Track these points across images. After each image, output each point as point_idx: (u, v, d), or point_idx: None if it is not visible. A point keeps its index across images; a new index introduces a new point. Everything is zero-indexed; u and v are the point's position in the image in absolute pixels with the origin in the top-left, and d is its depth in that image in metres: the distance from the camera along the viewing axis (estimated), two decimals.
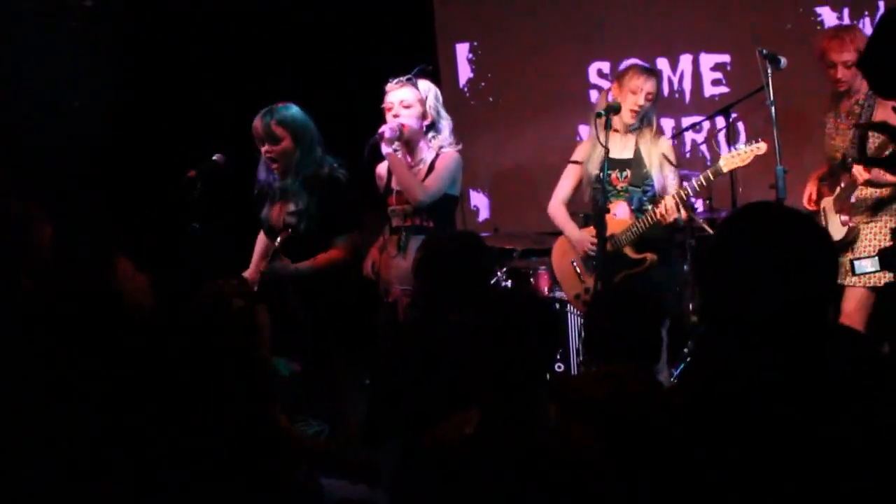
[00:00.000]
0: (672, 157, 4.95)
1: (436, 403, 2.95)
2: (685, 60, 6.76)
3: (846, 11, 6.37)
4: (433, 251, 3.59)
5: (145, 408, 2.20)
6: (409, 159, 4.65)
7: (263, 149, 4.54)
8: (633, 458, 2.31)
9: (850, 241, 4.72)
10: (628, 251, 4.87)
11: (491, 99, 7.26)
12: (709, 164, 4.91)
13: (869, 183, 4.59)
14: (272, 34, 7.06)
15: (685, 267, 5.78)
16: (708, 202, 5.98)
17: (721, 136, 5.16)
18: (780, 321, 2.04)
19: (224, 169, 4.64)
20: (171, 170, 4.69)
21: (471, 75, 7.27)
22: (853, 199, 4.73)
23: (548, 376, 2.74)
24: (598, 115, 4.70)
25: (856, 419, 1.97)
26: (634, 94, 4.80)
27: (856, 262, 4.64)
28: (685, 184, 4.82)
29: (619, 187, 4.88)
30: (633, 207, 4.88)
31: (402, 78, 4.64)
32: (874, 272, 4.61)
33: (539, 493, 2.37)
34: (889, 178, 4.53)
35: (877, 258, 4.56)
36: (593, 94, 6.80)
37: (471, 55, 7.25)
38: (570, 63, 6.95)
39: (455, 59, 7.26)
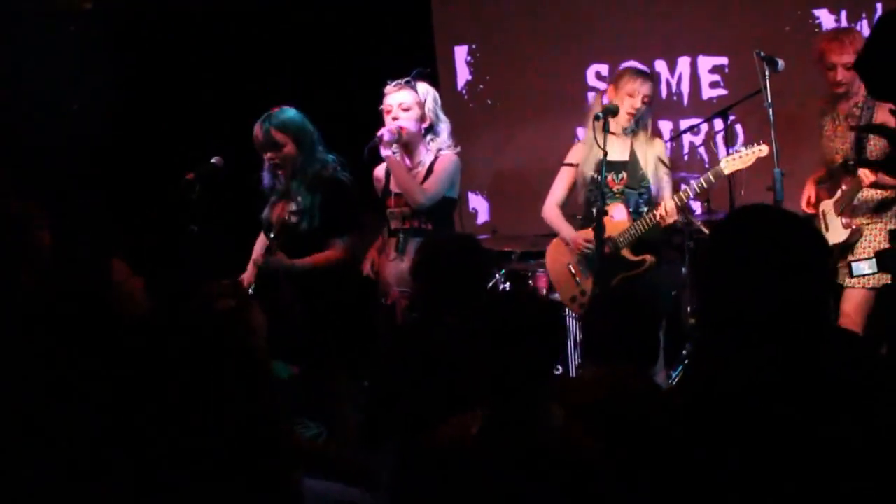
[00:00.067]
0: (666, 160, 4.97)
1: (434, 405, 2.96)
2: (683, 63, 6.76)
3: (844, 14, 6.37)
4: (431, 253, 3.60)
5: (143, 408, 2.20)
6: (407, 162, 4.66)
7: (267, 156, 4.55)
8: (634, 458, 2.31)
9: (852, 242, 4.72)
10: (626, 253, 4.87)
11: (489, 101, 7.26)
12: (707, 166, 4.92)
13: (875, 185, 4.59)
14: (271, 36, 7.06)
15: (683, 269, 5.79)
16: (706, 204, 5.98)
17: (719, 139, 5.18)
18: (777, 322, 2.05)
19: (222, 171, 4.65)
20: (171, 171, 4.70)
21: (469, 78, 7.27)
22: (855, 202, 4.73)
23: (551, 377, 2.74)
24: (597, 118, 4.71)
25: (855, 419, 1.98)
26: (631, 97, 4.81)
27: (853, 265, 4.65)
28: (684, 186, 4.83)
29: (615, 189, 4.88)
30: (630, 209, 4.89)
31: (400, 80, 4.64)
32: (871, 274, 4.62)
33: (542, 493, 2.37)
34: (892, 180, 4.54)
35: (874, 260, 4.57)
36: (591, 97, 6.81)
37: (469, 58, 7.26)
38: (568, 65, 6.95)
39: (453, 62, 7.26)
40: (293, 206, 4.50)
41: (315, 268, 4.46)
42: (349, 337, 4.51)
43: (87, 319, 2.63)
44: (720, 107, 5.45)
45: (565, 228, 5.06)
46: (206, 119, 6.65)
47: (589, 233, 4.88)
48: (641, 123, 4.91)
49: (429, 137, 4.67)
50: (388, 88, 4.66)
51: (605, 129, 4.66)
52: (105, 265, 2.84)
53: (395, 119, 4.59)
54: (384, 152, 4.55)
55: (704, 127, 6.37)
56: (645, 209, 4.88)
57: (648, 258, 4.88)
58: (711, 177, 4.76)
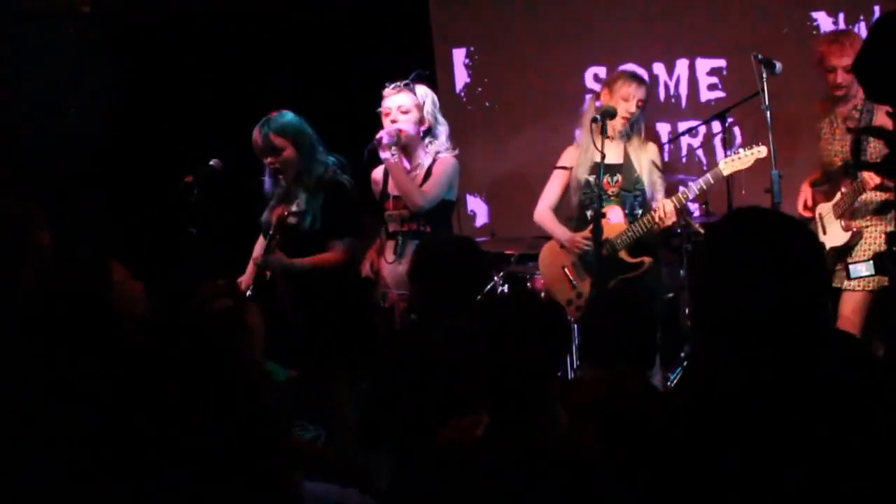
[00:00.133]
0: (659, 163, 4.98)
1: (432, 407, 2.96)
2: (681, 65, 6.77)
3: (842, 16, 6.38)
4: (429, 256, 3.60)
5: (143, 408, 2.20)
6: (406, 164, 4.67)
7: (267, 161, 4.55)
8: (633, 459, 2.31)
9: (853, 245, 4.72)
10: (623, 255, 4.87)
11: (487, 104, 7.26)
12: (705, 168, 4.93)
13: (879, 188, 4.58)
14: (269, 38, 7.06)
15: (682, 271, 5.80)
16: (704, 206, 5.99)
17: (717, 141, 5.18)
18: (774, 324, 2.06)
19: (221, 173, 4.65)
20: (170, 172, 4.70)
21: (467, 80, 7.27)
22: (856, 204, 4.73)
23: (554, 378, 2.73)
24: (594, 120, 4.71)
25: (854, 419, 1.98)
26: (626, 102, 4.81)
27: (851, 266, 4.64)
28: (682, 188, 4.83)
29: (610, 192, 4.88)
30: (625, 212, 4.89)
31: (399, 83, 4.65)
32: (869, 276, 4.61)
33: (547, 495, 2.37)
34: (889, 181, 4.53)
35: (871, 262, 4.57)
36: (587, 99, 6.81)
37: (467, 60, 7.26)
38: (566, 68, 6.96)
39: (452, 64, 7.26)
40: (293, 208, 4.50)
41: (314, 268, 4.46)
42: (348, 338, 4.51)
43: (87, 319, 2.63)
44: (718, 109, 5.46)
45: (561, 230, 5.05)
46: (205, 122, 6.65)
47: (586, 233, 4.88)
48: (636, 128, 4.92)
49: (427, 140, 4.68)
50: (387, 91, 4.66)
51: (603, 132, 4.66)
52: (105, 266, 2.84)
53: (393, 122, 4.60)
54: (383, 155, 4.56)
55: (703, 129, 6.38)
56: (639, 212, 4.89)
57: (647, 260, 4.88)
58: (710, 178, 4.77)
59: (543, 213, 5.10)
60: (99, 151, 6.54)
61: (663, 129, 6.82)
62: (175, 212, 4.51)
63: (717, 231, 2.27)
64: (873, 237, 4.71)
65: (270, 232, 4.45)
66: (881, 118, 4.44)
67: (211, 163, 4.66)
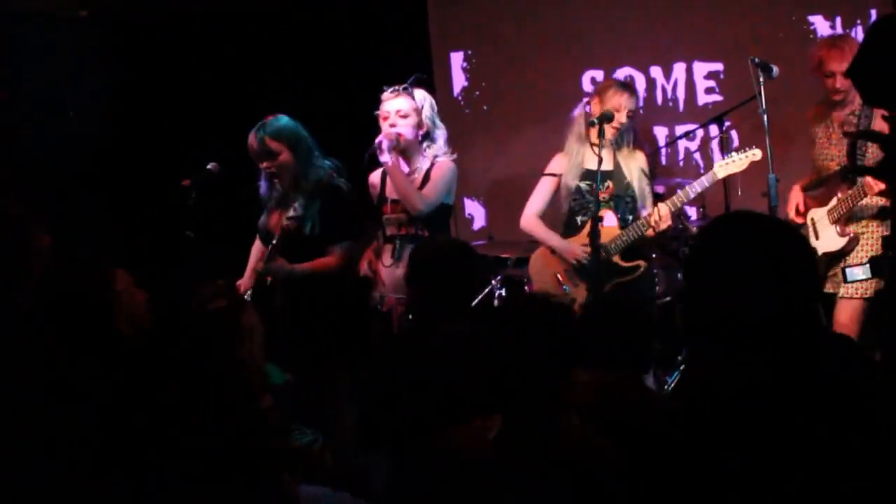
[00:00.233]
0: (647, 171, 4.99)
1: (432, 410, 2.97)
2: (679, 69, 6.78)
3: (839, 20, 6.39)
4: (426, 260, 3.60)
5: (142, 408, 2.20)
6: (404, 168, 4.67)
7: (262, 165, 4.56)
8: (632, 463, 2.32)
9: (848, 251, 4.71)
10: (617, 259, 4.87)
11: (485, 107, 7.27)
12: (702, 171, 4.93)
13: (883, 193, 4.56)
14: (267, 42, 7.08)
15: (679, 275, 5.80)
16: (702, 210, 6.00)
17: (714, 144, 5.18)
18: (767, 326, 2.06)
19: (218, 177, 4.65)
20: (167, 175, 4.71)
21: (465, 84, 7.28)
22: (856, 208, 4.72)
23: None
24: (592, 124, 4.72)
25: (853, 420, 1.99)
26: (617, 112, 4.81)
27: (847, 270, 4.64)
28: (679, 192, 4.84)
29: (601, 198, 4.87)
30: (618, 216, 4.90)
31: (397, 87, 4.65)
32: (865, 279, 4.61)
33: (559, 498, 2.37)
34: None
35: (868, 266, 4.57)
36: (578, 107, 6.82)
37: (465, 64, 7.27)
38: (564, 71, 6.96)
39: (449, 68, 7.27)
40: (291, 213, 4.50)
41: (314, 273, 4.47)
42: (347, 341, 4.52)
43: (86, 320, 2.64)
44: (715, 112, 5.47)
45: (553, 237, 5.02)
46: (202, 125, 6.66)
47: (580, 239, 4.88)
48: (626, 137, 4.92)
49: (425, 144, 4.68)
50: (386, 95, 4.66)
51: (601, 135, 4.66)
52: (105, 267, 2.85)
53: (392, 126, 4.60)
54: (384, 159, 4.56)
55: (700, 133, 6.39)
56: (630, 218, 4.90)
57: (642, 264, 4.89)
58: (705, 182, 4.78)
59: (531, 219, 5.08)
60: (97, 154, 6.54)
61: (661, 132, 6.83)
62: (173, 215, 4.51)
63: (707, 235, 2.28)
64: (869, 244, 4.69)
65: (274, 242, 4.44)
66: (879, 123, 4.44)
67: (209, 166, 4.66)
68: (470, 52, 7.25)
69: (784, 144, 5.23)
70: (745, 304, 2.07)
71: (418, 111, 4.64)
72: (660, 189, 6.15)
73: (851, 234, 4.69)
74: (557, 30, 6.99)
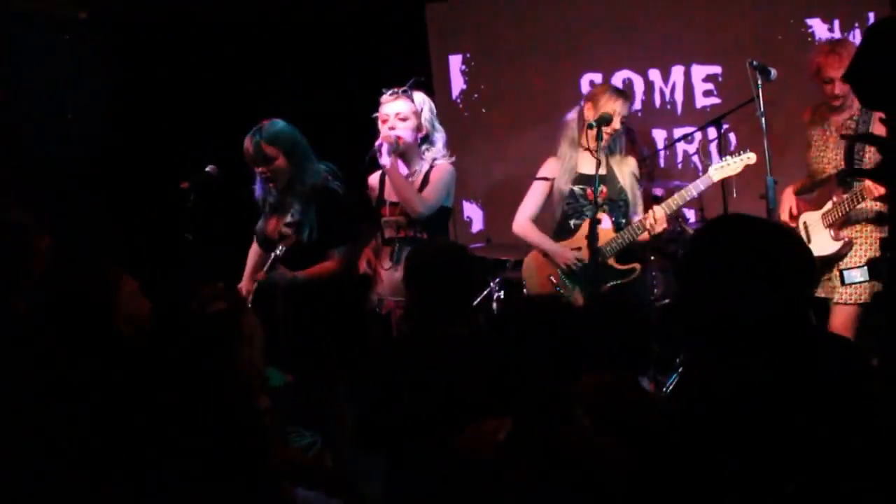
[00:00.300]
0: (638, 176, 5.00)
1: (433, 412, 2.97)
2: (677, 72, 6.79)
3: (836, 23, 6.40)
4: (425, 263, 3.60)
5: (142, 409, 2.21)
6: (404, 170, 4.67)
7: (258, 169, 4.56)
8: (635, 462, 2.32)
9: (843, 255, 4.69)
10: (612, 262, 4.87)
11: (484, 110, 7.28)
12: (700, 174, 4.93)
13: (881, 199, 4.53)
14: (266, 46, 7.08)
15: None
16: (700, 212, 6.01)
17: (713, 147, 5.18)
18: (759, 328, 2.07)
19: (217, 180, 4.65)
20: (166, 178, 4.71)
21: (464, 87, 7.29)
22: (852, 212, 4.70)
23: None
24: (590, 126, 4.72)
25: (853, 419, 1.99)
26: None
27: (845, 273, 4.62)
28: (675, 194, 4.84)
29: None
30: (613, 219, 4.90)
31: (397, 90, 4.64)
32: (863, 282, 4.60)
33: (569, 501, 2.37)
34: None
35: (866, 268, 4.55)
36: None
37: (464, 66, 7.28)
38: (562, 74, 6.98)
39: (448, 71, 7.28)
40: (288, 219, 4.51)
41: (316, 279, 4.48)
42: (344, 345, 4.52)
43: (87, 319, 2.65)
44: (714, 115, 5.47)
45: (547, 241, 4.99)
46: (201, 128, 6.66)
47: (571, 245, 4.88)
48: (618, 143, 4.92)
49: (424, 147, 4.68)
50: (385, 98, 4.65)
51: (599, 138, 4.67)
52: (106, 267, 2.86)
53: (391, 129, 4.59)
54: (384, 161, 4.56)
55: (698, 135, 6.39)
56: (623, 221, 4.91)
57: (638, 266, 4.90)
58: (701, 185, 4.79)
59: (524, 223, 5.05)
60: (96, 156, 6.55)
61: (659, 135, 6.85)
62: (171, 217, 4.52)
63: (700, 239, 2.29)
64: (863, 249, 4.67)
65: (276, 254, 4.44)
66: (878, 128, 4.40)
67: (207, 169, 4.66)
68: (468, 55, 7.26)
69: (782, 147, 5.24)
70: (738, 306, 2.08)
71: (417, 114, 4.64)
72: (658, 191, 6.16)
73: (846, 239, 4.67)
74: (556, 33, 7.01)
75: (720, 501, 2.03)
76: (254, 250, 4.85)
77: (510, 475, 2.42)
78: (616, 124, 4.80)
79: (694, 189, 4.80)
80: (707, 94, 6.72)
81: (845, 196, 4.63)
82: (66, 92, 6.44)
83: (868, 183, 4.46)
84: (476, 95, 7.27)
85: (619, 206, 4.92)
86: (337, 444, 4.61)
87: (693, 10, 6.75)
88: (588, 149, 4.85)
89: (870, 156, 4.49)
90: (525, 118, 7.00)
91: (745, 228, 2.19)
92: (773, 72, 4.74)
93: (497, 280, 6.09)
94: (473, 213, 7.33)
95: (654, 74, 6.82)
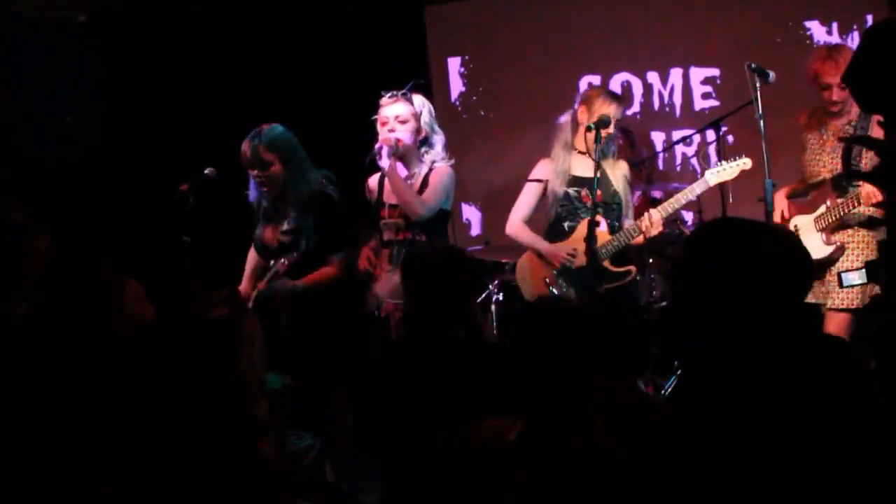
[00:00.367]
0: (630, 179, 5.00)
1: (428, 415, 2.97)
2: (675, 74, 6.80)
3: (835, 26, 6.41)
4: (423, 266, 3.60)
5: (142, 409, 2.22)
6: (403, 173, 4.67)
7: (253, 173, 4.57)
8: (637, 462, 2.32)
9: (834, 259, 4.68)
10: (607, 264, 4.87)
11: (482, 113, 7.29)
12: (699, 176, 4.93)
13: (879, 204, 4.49)
14: (265, 48, 7.09)
15: None
16: (698, 215, 6.01)
17: (711, 150, 5.18)
18: (756, 328, 2.08)
19: (216, 182, 4.66)
20: (165, 180, 4.71)
21: (462, 89, 7.30)
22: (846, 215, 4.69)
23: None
24: (589, 129, 4.73)
25: (853, 420, 2.00)
26: None
27: (843, 275, 4.62)
28: (672, 199, 4.84)
29: (588, 204, 4.86)
30: (608, 222, 4.90)
31: (396, 92, 4.65)
32: (861, 284, 4.60)
33: (560, 498, 2.37)
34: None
35: (864, 271, 4.55)
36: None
37: (462, 69, 7.28)
38: (561, 76, 6.98)
39: (447, 73, 7.29)
40: (284, 227, 4.52)
41: (316, 286, 4.49)
42: (343, 348, 4.52)
43: (87, 320, 2.65)
44: (712, 118, 5.47)
45: (541, 242, 4.99)
46: (200, 130, 6.67)
47: (568, 244, 4.88)
48: (611, 147, 4.92)
49: (423, 149, 4.68)
50: (384, 100, 4.65)
51: (597, 140, 4.67)
52: (107, 268, 2.86)
53: (391, 131, 4.60)
54: (384, 164, 4.56)
55: (696, 138, 6.40)
56: (617, 224, 4.92)
57: (633, 269, 4.90)
58: (697, 189, 4.79)
59: (517, 225, 5.05)
60: (95, 158, 6.55)
61: (658, 137, 6.85)
62: (170, 219, 4.52)
63: (692, 243, 2.30)
64: (855, 254, 4.66)
65: (276, 269, 4.45)
66: (876, 134, 4.39)
67: (206, 171, 4.66)
68: (467, 57, 7.27)
69: (781, 149, 5.23)
70: (732, 308, 2.09)
71: (417, 116, 4.64)
72: (657, 194, 6.16)
73: (838, 243, 4.66)
74: (555, 35, 7.01)
75: (720, 501, 2.03)
76: (252, 256, 4.85)
77: (518, 475, 2.42)
78: (611, 128, 4.81)
79: (690, 193, 4.80)
80: (706, 96, 6.73)
81: (839, 201, 4.62)
82: (66, 93, 6.44)
83: (869, 189, 4.45)
84: (475, 98, 7.28)
85: (612, 209, 4.93)
86: (337, 446, 4.61)
87: (691, 13, 6.76)
88: (581, 151, 4.86)
89: (867, 161, 4.49)
90: (524, 120, 7.00)
91: (735, 231, 2.20)
92: (772, 74, 4.74)
93: (496, 282, 6.09)
94: (472, 216, 7.33)
95: (653, 77, 6.83)
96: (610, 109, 4.80)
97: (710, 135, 5.30)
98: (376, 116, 4.67)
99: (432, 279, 3.48)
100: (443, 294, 3.44)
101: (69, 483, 2.30)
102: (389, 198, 4.68)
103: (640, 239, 4.84)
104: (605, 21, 6.92)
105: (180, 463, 2.14)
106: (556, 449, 2.42)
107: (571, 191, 4.88)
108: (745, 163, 4.76)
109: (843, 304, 4.62)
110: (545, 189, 4.98)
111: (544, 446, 2.44)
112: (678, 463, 2.08)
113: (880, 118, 3.21)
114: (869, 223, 4.63)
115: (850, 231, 4.67)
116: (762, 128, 4.67)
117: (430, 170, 4.64)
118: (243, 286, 4.77)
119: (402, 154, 4.63)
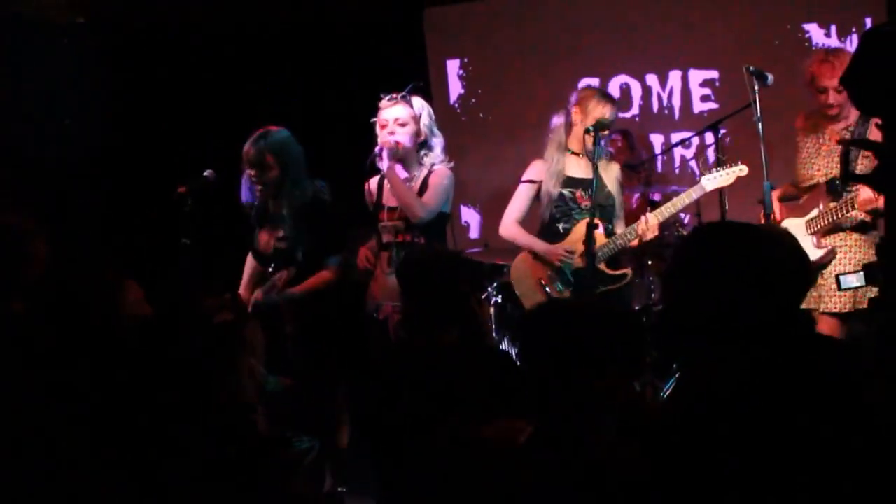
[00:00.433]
0: (622, 182, 5.02)
1: (428, 416, 2.97)
2: (674, 77, 6.81)
3: (833, 28, 6.42)
4: (420, 269, 3.60)
5: (142, 410, 2.22)
6: (403, 175, 4.68)
7: (250, 172, 4.57)
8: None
9: (826, 263, 4.68)
10: (603, 267, 4.87)
11: (481, 115, 7.29)
12: (698, 179, 4.94)
13: (875, 212, 4.49)
14: (264, 50, 7.09)
15: None
16: (697, 218, 6.01)
17: (710, 152, 5.19)
18: (753, 330, 2.09)
19: (215, 184, 4.66)
20: (164, 182, 4.72)
21: (461, 91, 7.30)
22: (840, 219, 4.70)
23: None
24: (587, 131, 4.73)
25: (854, 419, 2.00)
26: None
27: (841, 278, 4.60)
28: (669, 203, 4.85)
29: (583, 206, 4.86)
30: (603, 225, 4.90)
31: (395, 95, 4.65)
32: (860, 287, 4.59)
33: (561, 498, 2.37)
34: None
35: (862, 273, 4.55)
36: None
37: (461, 71, 7.29)
38: (560, 79, 6.97)
39: (446, 76, 7.29)
40: (280, 233, 4.54)
41: (313, 292, 4.50)
42: (342, 351, 4.53)
43: (87, 320, 2.66)
44: (711, 120, 5.47)
45: (537, 242, 4.96)
46: (200, 131, 6.67)
47: (565, 245, 4.88)
48: (604, 148, 4.93)
49: (423, 152, 4.68)
50: (384, 103, 4.66)
51: (596, 143, 4.68)
52: (107, 268, 2.87)
53: (391, 134, 4.60)
54: (384, 166, 4.57)
55: (696, 140, 6.41)
56: (610, 226, 4.92)
57: (630, 272, 4.91)
58: (694, 193, 4.80)
59: (512, 226, 5.02)
60: (94, 160, 6.55)
61: (656, 139, 6.85)
62: (169, 222, 4.52)
63: (685, 247, 2.31)
64: (847, 258, 4.66)
65: (275, 280, 4.47)
66: (875, 137, 4.39)
67: (205, 173, 4.67)
68: (466, 59, 7.28)
69: (779, 151, 5.24)
70: (729, 309, 2.10)
71: (416, 119, 4.65)
72: (656, 196, 6.17)
73: (829, 247, 4.65)
74: (554, 37, 7.02)
75: (721, 501, 2.03)
76: (250, 261, 4.87)
77: (524, 476, 2.41)
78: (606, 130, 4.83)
79: (687, 198, 4.81)
80: (704, 98, 6.74)
81: (833, 204, 4.61)
82: (65, 95, 6.45)
83: (867, 195, 4.44)
84: (474, 100, 7.28)
85: (607, 211, 4.93)
86: (336, 447, 4.62)
87: (690, 15, 6.77)
88: (575, 152, 4.86)
89: (863, 166, 4.49)
90: (523, 123, 7.00)
91: (734, 234, 2.21)
92: (770, 77, 4.74)
93: (494, 285, 6.09)
94: (471, 218, 7.34)
95: (652, 79, 6.84)
96: (604, 111, 4.79)
97: (709, 137, 5.31)
98: (375, 119, 4.68)
99: (430, 282, 3.49)
100: (440, 296, 3.45)
101: (69, 483, 2.31)
102: (389, 200, 4.68)
103: (636, 242, 4.85)
104: (604, 23, 6.93)
105: (180, 463, 2.14)
106: (567, 453, 2.42)
107: (566, 192, 4.88)
108: (741, 169, 4.77)
109: (835, 307, 4.61)
110: (539, 190, 4.97)
111: (556, 451, 2.43)
112: (679, 462, 2.09)
113: (878, 121, 3.21)
114: (862, 227, 4.62)
115: (842, 234, 4.65)
116: (761, 130, 4.67)
117: (430, 172, 4.64)
118: (242, 292, 4.78)
119: (402, 157, 4.63)
